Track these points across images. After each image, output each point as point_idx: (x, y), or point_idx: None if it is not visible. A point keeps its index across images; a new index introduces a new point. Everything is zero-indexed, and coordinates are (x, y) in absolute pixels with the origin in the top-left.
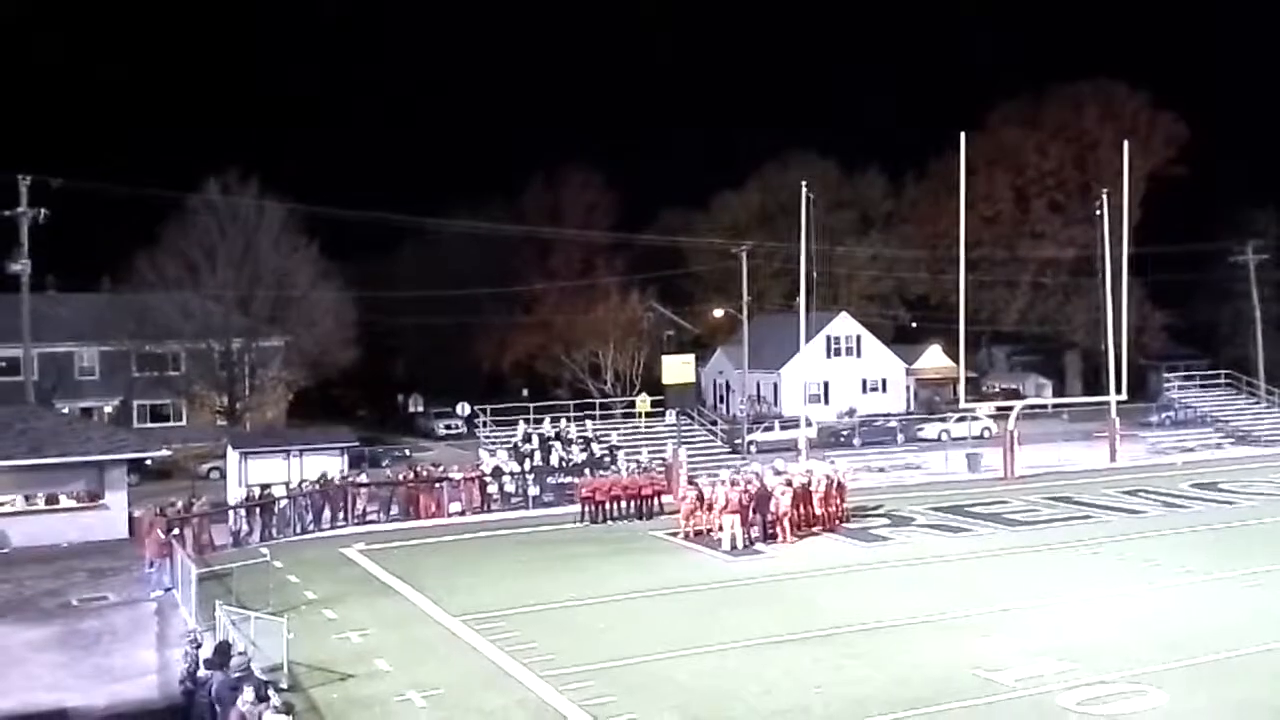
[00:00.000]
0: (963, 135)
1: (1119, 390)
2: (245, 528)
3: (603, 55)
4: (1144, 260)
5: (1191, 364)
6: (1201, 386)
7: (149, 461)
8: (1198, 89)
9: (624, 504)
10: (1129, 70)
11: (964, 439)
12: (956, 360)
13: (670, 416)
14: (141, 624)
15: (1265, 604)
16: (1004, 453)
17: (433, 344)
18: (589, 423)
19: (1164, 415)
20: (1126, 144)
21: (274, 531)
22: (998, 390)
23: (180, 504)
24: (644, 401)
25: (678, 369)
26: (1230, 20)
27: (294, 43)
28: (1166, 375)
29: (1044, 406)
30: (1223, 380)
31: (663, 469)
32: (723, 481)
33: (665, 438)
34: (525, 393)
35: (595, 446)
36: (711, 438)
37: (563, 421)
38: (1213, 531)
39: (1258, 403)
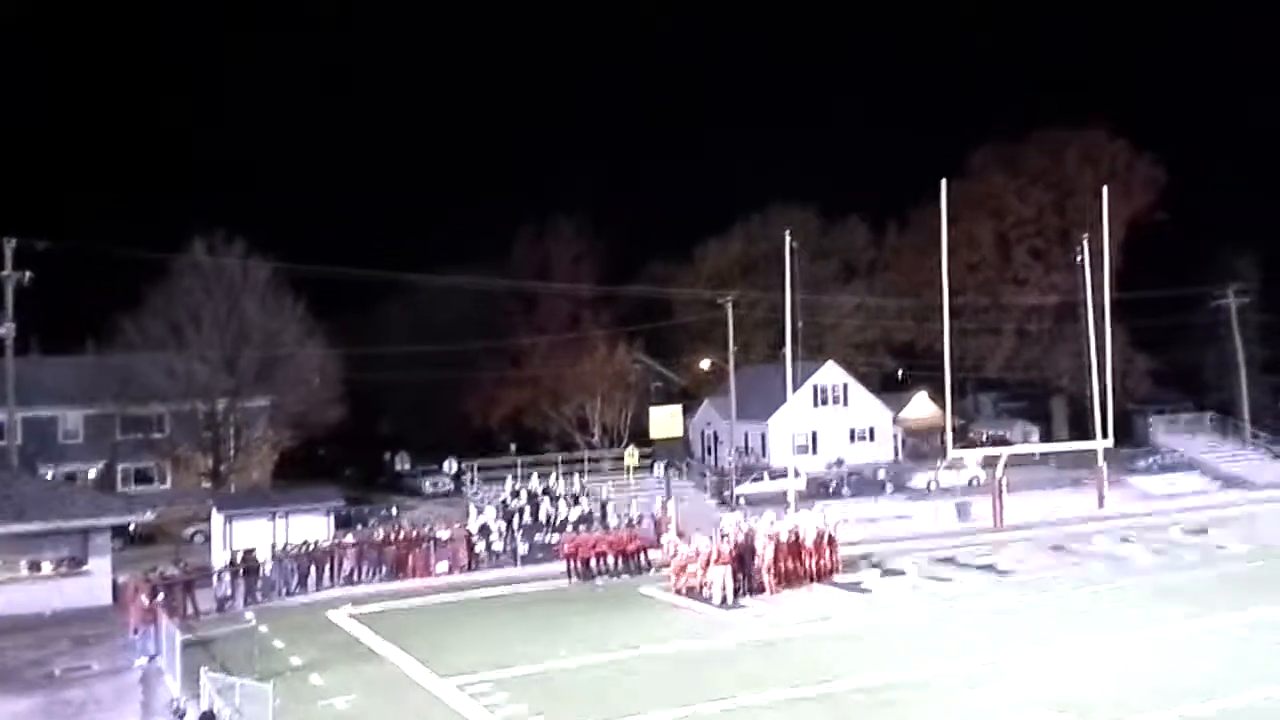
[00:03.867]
0: (944, 183)
1: (1105, 435)
2: (230, 592)
3: (583, 110)
4: (1127, 305)
5: (1177, 408)
6: (1188, 430)
7: (133, 526)
8: (1175, 134)
9: (611, 560)
10: (1107, 116)
11: (953, 488)
12: (943, 408)
13: (658, 469)
14: (126, 694)
15: (1256, 651)
16: (993, 501)
17: (420, 400)
18: (577, 477)
19: (1151, 460)
20: (1106, 190)
21: (259, 596)
22: (985, 438)
23: (164, 569)
24: (632, 454)
25: (665, 421)
26: (1206, 65)
27: (278, 102)
28: (1153, 419)
29: (1031, 454)
30: (1208, 423)
31: (651, 523)
32: (712, 535)
33: (654, 491)
34: (513, 448)
35: (584, 501)
36: (700, 490)
37: (551, 476)
38: (1202, 577)
39: (1243, 446)
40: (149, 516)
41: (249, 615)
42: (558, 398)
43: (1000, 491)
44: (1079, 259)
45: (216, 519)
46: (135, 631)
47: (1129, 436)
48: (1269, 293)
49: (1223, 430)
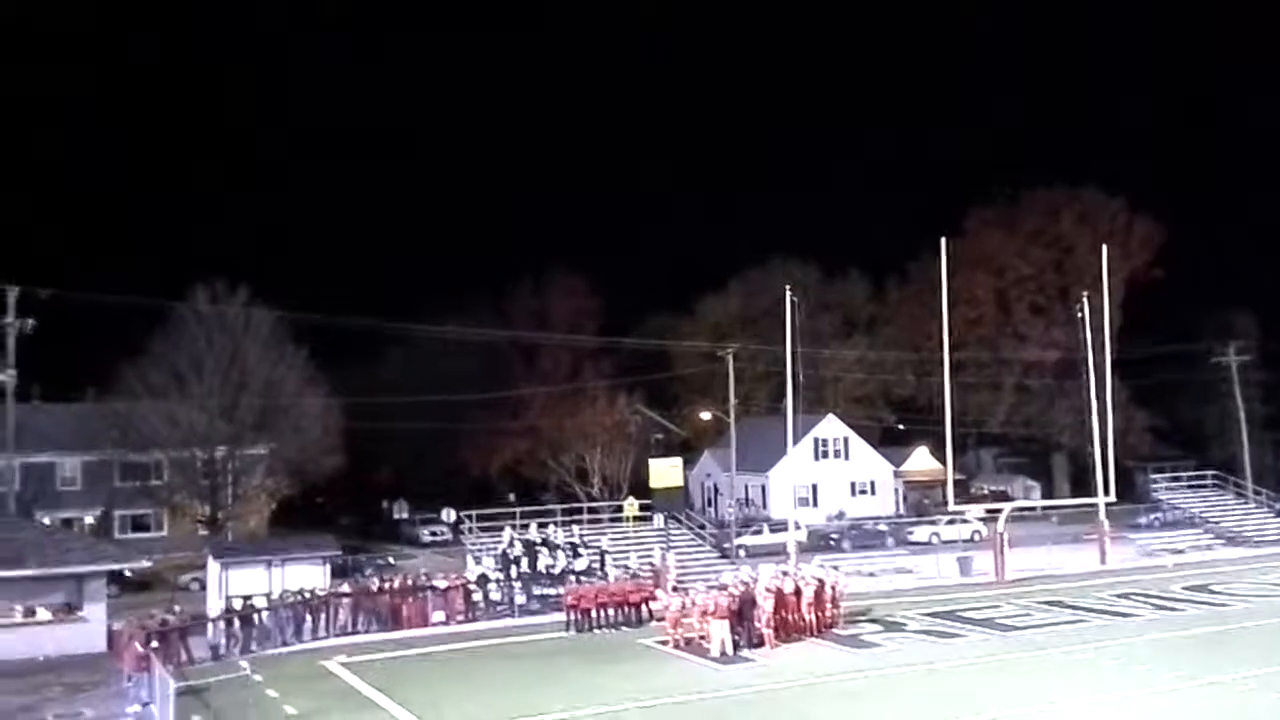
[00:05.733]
0: (943, 240)
1: (1107, 492)
2: (224, 640)
3: (585, 163)
4: (1127, 362)
5: (1178, 465)
6: (1189, 487)
7: (128, 573)
8: (1172, 191)
9: (611, 611)
10: (1104, 175)
11: (954, 542)
12: (944, 462)
13: (658, 520)
14: None
15: (1261, 708)
16: (994, 556)
17: (419, 450)
18: (576, 528)
19: (1153, 516)
20: (1105, 248)
21: (254, 644)
22: (986, 492)
23: (159, 616)
24: (631, 505)
25: (665, 472)
26: (1203, 123)
27: (282, 151)
28: (1154, 476)
29: (1033, 508)
30: (1210, 481)
31: (651, 574)
32: (711, 586)
33: (653, 542)
34: (512, 498)
35: (583, 552)
36: (700, 542)
37: (550, 527)
38: (1205, 634)
39: (1246, 503)
40: (145, 563)
41: (244, 664)
42: (557, 448)
43: (1002, 546)
44: (1079, 315)
45: (212, 566)
46: (129, 679)
47: (1130, 493)
48: (1269, 350)
49: (1224, 487)
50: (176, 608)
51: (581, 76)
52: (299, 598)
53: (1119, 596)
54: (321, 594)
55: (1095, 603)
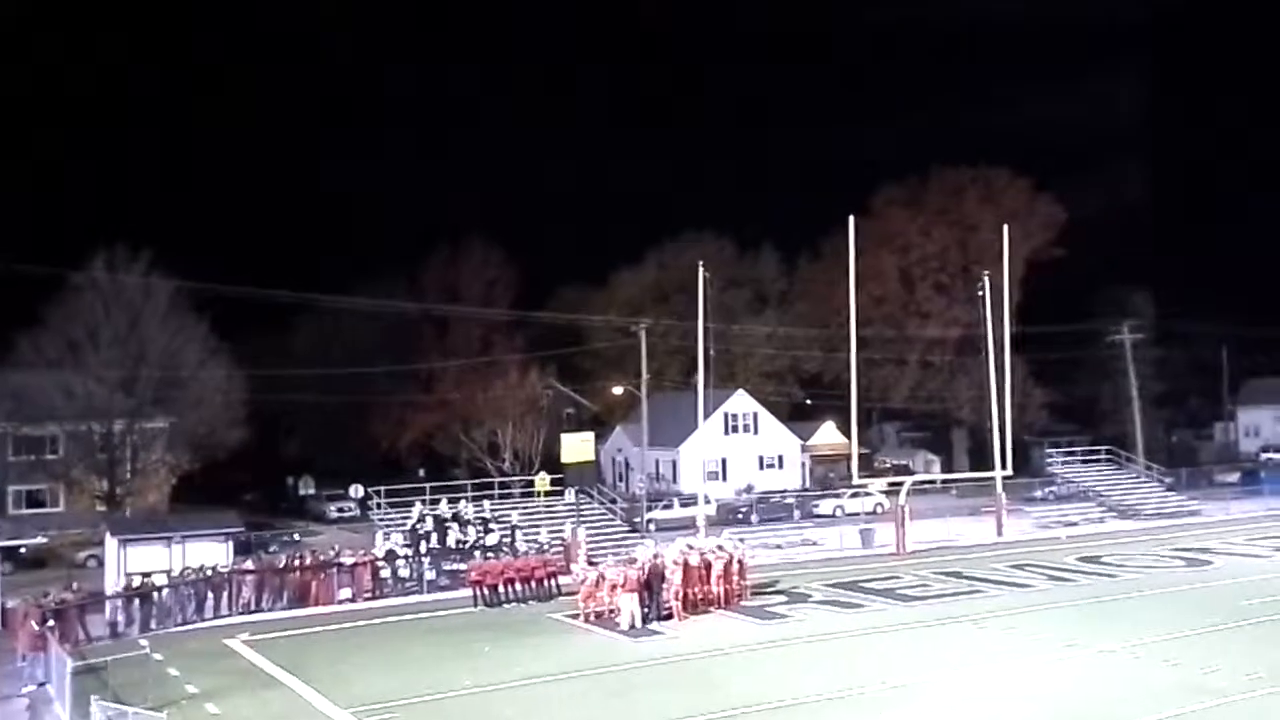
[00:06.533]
0: (851, 219)
1: (1004, 466)
2: (123, 619)
3: (498, 134)
4: (1026, 339)
5: (1073, 440)
6: (1083, 461)
7: (23, 549)
8: (1074, 173)
9: (519, 586)
10: (1007, 155)
11: (858, 514)
12: (849, 437)
13: (569, 495)
14: None
15: (1150, 674)
16: (896, 528)
17: (327, 424)
18: (487, 503)
19: (1048, 490)
20: (1006, 228)
21: (154, 622)
22: (889, 466)
23: (55, 594)
24: (543, 480)
25: (577, 447)
26: (1103, 104)
27: (185, 116)
28: (1049, 451)
29: (933, 482)
30: (1103, 456)
31: (561, 549)
32: (621, 560)
33: (564, 517)
34: (422, 473)
35: (494, 527)
36: (611, 516)
37: (460, 502)
38: (1098, 604)
39: (1137, 477)
40: (40, 539)
41: (143, 642)
42: (468, 423)
43: (903, 518)
44: (980, 294)
45: (110, 543)
46: (24, 658)
47: (1026, 467)
48: (1162, 329)
49: (1117, 462)
50: (74, 585)
51: (501, 42)
52: (200, 575)
53: (1014, 567)
54: (224, 571)
55: (991, 573)
